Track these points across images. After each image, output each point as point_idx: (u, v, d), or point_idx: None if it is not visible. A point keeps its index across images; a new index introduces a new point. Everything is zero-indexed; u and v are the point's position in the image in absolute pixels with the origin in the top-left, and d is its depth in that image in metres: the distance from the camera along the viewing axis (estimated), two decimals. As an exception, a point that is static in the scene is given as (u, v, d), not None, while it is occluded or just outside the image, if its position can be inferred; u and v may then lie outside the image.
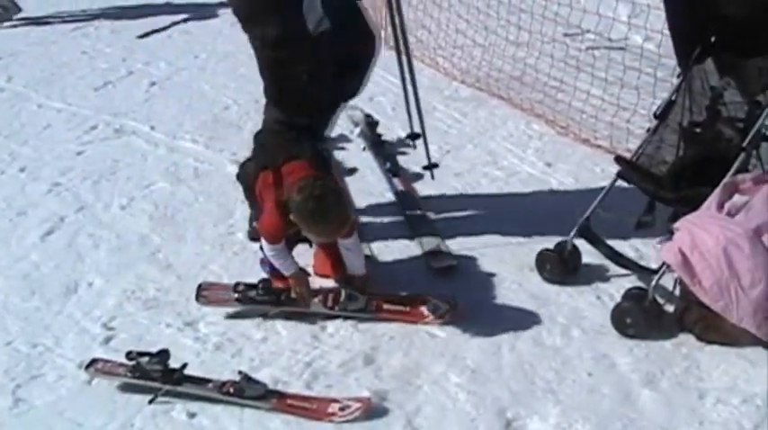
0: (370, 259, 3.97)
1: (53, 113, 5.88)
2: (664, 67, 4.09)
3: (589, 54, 6.25)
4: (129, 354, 3.14)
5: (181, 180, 4.82)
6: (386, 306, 3.57)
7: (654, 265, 3.49)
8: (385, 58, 6.65)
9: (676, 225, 3.32)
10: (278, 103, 3.85)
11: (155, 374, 3.10)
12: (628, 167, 3.76)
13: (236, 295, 3.58)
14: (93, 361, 3.24)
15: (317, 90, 3.76)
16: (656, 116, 3.79)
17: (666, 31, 3.81)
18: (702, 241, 3.16)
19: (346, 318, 3.53)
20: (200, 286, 3.68)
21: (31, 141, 5.42)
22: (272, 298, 3.57)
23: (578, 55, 6.24)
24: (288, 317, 3.55)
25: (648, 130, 3.85)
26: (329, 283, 3.74)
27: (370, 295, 3.59)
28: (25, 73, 6.73)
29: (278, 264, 3.55)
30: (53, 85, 6.39)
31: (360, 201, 4.52)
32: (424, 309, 3.53)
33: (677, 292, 3.40)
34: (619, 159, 3.83)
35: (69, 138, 5.45)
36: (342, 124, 5.49)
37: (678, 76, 3.80)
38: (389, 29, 7.08)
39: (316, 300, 3.60)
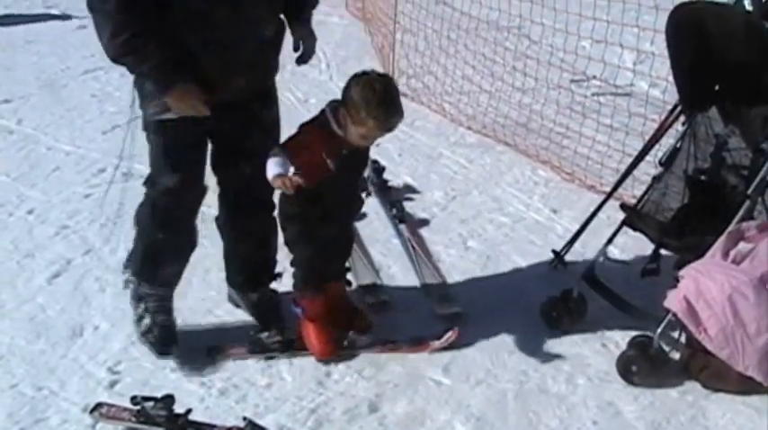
0: (386, 304, 4.01)
1: (62, 156, 5.91)
2: (669, 114, 4.13)
3: (595, 100, 6.28)
4: (133, 399, 3.14)
5: (187, 224, 4.82)
6: (391, 345, 3.63)
7: (659, 313, 3.48)
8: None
9: (681, 273, 3.33)
10: None
11: (159, 419, 3.10)
12: (633, 214, 3.77)
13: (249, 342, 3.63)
14: (98, 405, 3.24)
15: None
16: (661, 163, 3.82)
17: (671, 78, 3.84)
18: (707, 289, 3.16)
19: (351, 364, 3.53)
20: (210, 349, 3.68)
21: (39, 184, 5.45)
22: (284, 345, 3.62)
23: (584, 101, 6.28)
24: (293, 362, 3.55)
25: (654, 177, 3.87)
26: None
27: (377, 341, 3.64)
28: (35, 116, 6.76)
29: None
30: (62, 128, 6.42)
31: (367, 246, 4.54)
32: (429, 342, 3.60)
33: (683, 340, 3.39)
34: (624, 206, 3.85)
35: (77, 181, 5.47)
36: (348, 169, 5.53)
37: (683, 124, 3.82)
38: (396, 73, 7.17)
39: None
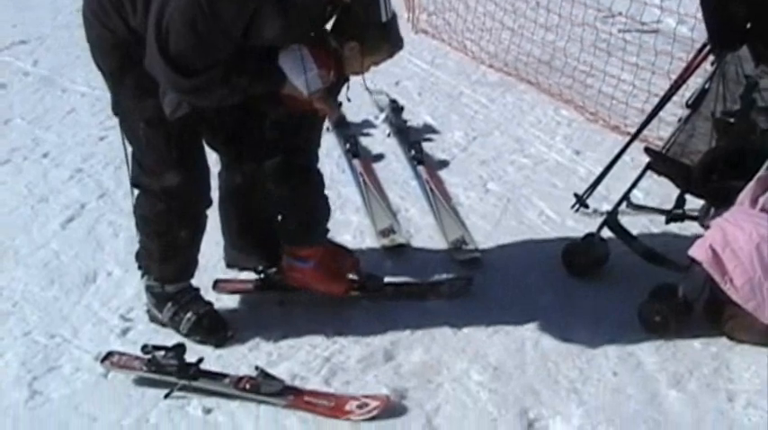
0: (404, 247, 3.95)
1: (77, 98, 5.86)
2: (698, 53, 4.00)
3: (620, 38, 6.11)
4: (144, 348, 3.10)
5: (203, 167, 4.76)
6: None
7: (684, 261, 3.39)
8: (412, 41, 6.62)
9: (709, 222, 3.22)
10: None
11: (170, 369, 3.05)
12: (658, 159, 3.66)
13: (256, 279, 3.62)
14: (109, 354, 3.20)
15: None
16: (688, 104, 3.69)
17: (700, 15, 3.69)
18: (735, 238, 3.05)
19: (366, 311, 3.48)
20: (216, 281, 3.66)
21: (54, 126, 5.40)
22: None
23: (609, 39, 6.13)
24: (307, 309, 3.50)
25: (680, 119, 3.75)
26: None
27: (389, 284, 3.62)
28: (51, 57, 6.70)
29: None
30: (78, 69, 6.33)
31: (384, 188, 4.46)
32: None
33: (707, 290, 3.29)
34: (648, 151, 3.73)
35: (92, 123, 5.41)
36: (367, 109, 5.43)
37: (712, 63, 3.68)
38: (417, 10, 7.03)
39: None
